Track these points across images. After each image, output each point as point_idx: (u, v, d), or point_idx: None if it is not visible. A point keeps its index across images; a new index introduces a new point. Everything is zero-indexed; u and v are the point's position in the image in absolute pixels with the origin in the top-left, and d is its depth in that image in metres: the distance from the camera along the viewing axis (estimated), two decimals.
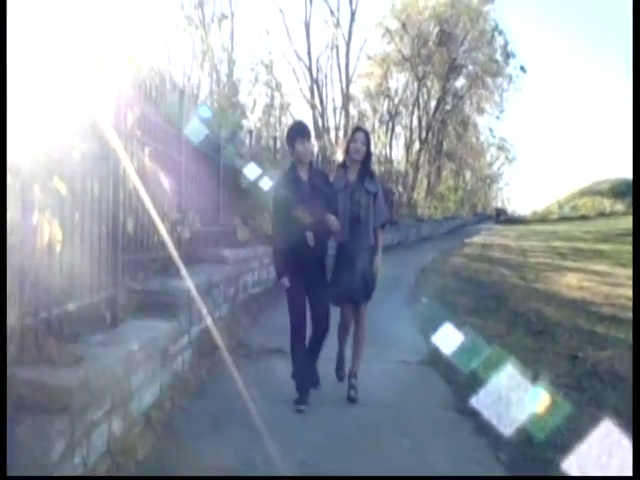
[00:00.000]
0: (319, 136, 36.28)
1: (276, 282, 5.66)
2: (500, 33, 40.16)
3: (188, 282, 6.28)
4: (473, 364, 6.10)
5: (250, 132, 12.80)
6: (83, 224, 4.15)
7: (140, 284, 5.69)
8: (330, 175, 6.09)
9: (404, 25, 38.11)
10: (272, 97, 22.33)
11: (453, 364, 6.39)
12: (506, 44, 40.81)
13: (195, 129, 8.10)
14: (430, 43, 37.85)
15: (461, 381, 6.02)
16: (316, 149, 28.40)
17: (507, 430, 4.69)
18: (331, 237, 5.64)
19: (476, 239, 33.80)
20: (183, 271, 6.91)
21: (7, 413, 2.73)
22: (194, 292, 6.31)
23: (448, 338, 6.99)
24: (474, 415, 5.15)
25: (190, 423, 4.87)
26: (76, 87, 4.03)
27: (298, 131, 5.57)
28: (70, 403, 3.08)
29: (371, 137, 6.18)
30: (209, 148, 8.99)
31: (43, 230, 2.75)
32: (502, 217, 72.34)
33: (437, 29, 37.51)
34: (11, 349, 3.02)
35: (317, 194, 5.41)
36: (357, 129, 6.10)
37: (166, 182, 6.54)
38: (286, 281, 5.38)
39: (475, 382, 5.80)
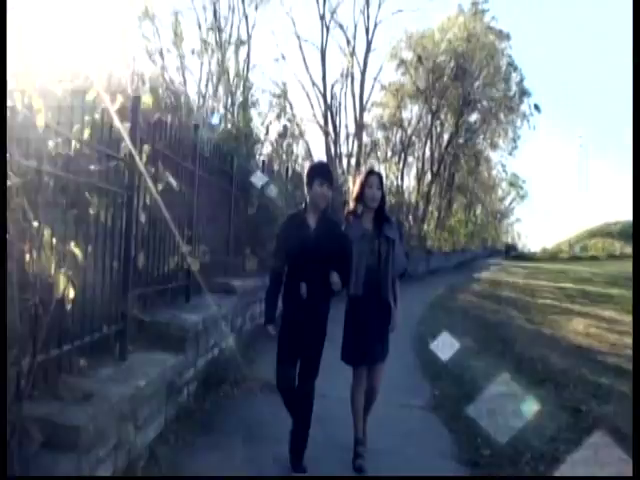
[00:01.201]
0: (332, 163, 36.53)
1: (263, 324, 5.08)
2: (515, 69, 40.39)
3: (196, 315, 6.36)
4: (473, 413, 6.11)
5: (263, 162, 12.90)
6: (95, 259, 4.25)
7: (149, 316, 5.75)
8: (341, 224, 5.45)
9: (419, 57, 38.30)
10: (285, 125, 22.44)
11: (455, 411, 6.39)
12: (521, 81, 41.00)
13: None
14: (445, 77, 38.01)
15: (462, 429, 5.99)
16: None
17: None
18: (333, 293, 4.97)
19: (485, 275, 33.73)
20: (192, 303, 7.04)
21: (6, 413, 2.77)
22: (202, 325, 6.39)
23: (451, 385, 6.98)
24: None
25: (193, 458, 4.90)
26: (89, 116, 4.14)
27: (319, 172, 5.06)
28: (78, 441, 3.15)
29: (383, 178, 5.59)
30: (221, 177, 9.10)
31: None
32: (512, 252, 72.27)
33: (452, 63, 37.70)
34: (21, 384, 3.08)
35: (323, 245, 4.85)
36: (371, 173, 5.44)
37: (177, 216, 6.66)
38: (272, 329, 4.94)
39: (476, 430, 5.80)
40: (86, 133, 3.99)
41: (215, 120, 9.37)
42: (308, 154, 36.57)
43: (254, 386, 6.93)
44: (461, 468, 5.19)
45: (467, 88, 38.22)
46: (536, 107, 41.91)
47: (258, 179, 10.85)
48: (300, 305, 4.81)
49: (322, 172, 5.08)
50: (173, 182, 5.62)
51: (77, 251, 2.96)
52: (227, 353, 7.77)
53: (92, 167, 3.98)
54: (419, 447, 5.62)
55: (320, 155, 38.11)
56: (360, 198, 5.30)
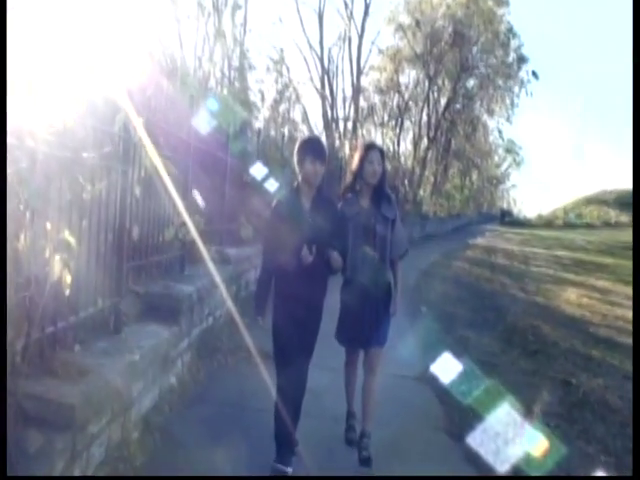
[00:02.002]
0: (328, 127, 36.43)
1: (254, 314, 4.66)
2: (514, 36, 40.00)
3: (191, 286, 6.39)
4: (466, 388, 6.16)
5: (258, 130, 12.85)
6: (90, 232, 4.25)
7: (143, 287, 5.77)
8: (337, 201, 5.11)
9: (417, 22, 37.94)
10: (282, 91, 22.33)
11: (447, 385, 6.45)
12: (519, 47, 40.64)
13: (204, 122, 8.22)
14: (443, 42, 37.69)
15: (454, 402, 6.03)
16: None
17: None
18: (330, 276, 4.68)
19: (480, 241, 33.85)
20: (186, 273, 7.06)
21: (7, 413, 2.81)
22: (196, 296, 6.42)
23: (443, 360, 7.02)
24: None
25: (187, 428, 4.96)
26: (84, 91, 4.11)
27: (311, 148, 4.62)
28: (73, 419, 3.19)
29: (385, 155, 5.18)
30: (216, 146, 9.07)
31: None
32: (507, 218, 72.31)
33: (450, 29, 37.34)
34: (17, 361, 3.11)
35: (319, 225, 4.47)
36: (371, 147, 5.05)
37: (172, 186, 6.65)
38: (262, 320, 4.58)
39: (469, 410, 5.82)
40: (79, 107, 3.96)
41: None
42: (305, 118, 36.53)
43: (249, 355, 6.97)
44: (450, 441, 5.27)
45: (465, 54, 37.95)
46: (534, 74, 41.54)
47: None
48: (297, 289, 4.45)
49: (314, 148, 4.65)
50: (168, 154, 5.60)
51: (71, 240, 2.95)
52: (221, 322, 7.84)
53: (85, 143, 3.95)
54: (410, 419, 5.68)
55: (317, 119, 38.00)
56: (359, 173, 4.95)
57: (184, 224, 7.08)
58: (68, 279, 2.94)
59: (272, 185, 9.98)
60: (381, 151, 5.07)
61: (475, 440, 5.12)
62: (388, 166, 25.87)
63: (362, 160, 4.93)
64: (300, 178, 4.66)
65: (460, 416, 5.68)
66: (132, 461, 4.17)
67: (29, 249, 2.66)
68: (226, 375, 6.34)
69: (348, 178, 5.17)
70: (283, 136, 16.00)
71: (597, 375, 7.14)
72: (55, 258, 2.83)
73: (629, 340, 9.34)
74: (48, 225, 2.74)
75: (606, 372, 7.34)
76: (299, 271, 4.40)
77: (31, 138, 3.05)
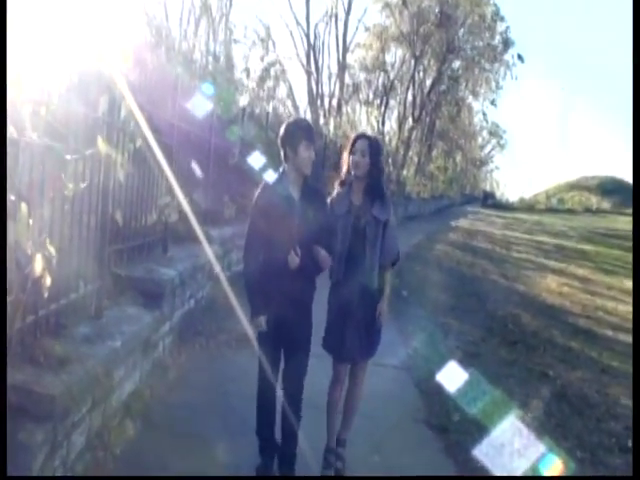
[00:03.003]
0: (313, 103, 36.35)
1: (250, 320, 4.23)
2: (501, 19, 39.98)
3: (173, 269, 6.36)
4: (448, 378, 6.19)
5: (243, 109, 12.74)
6: (72, 216, 4.21)
7: (125, 270, 5.73)
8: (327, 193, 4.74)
9: (404, 1, 37.83)
10: (268, 68, 22.17)
11: (427, 372, 6.49)
12: (506, 30, 40.63)
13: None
14: (429, 23, 37.60)
15: (434, 393, 6.05)
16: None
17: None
18: (319, 274, 4.33)
19: (462, 223, 33.90)
20: (169, 255, 7.03)
21: (6, 413, 2.80)
22: (178, 279, 6.39)
23: (425, 347, 7.06)
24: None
25: (168, 414, 4.96)
26: (66, 70, 4.04)
27: (306, 132, 4.19)
28: (54, 410, 3.18)
29: (381, 146, 4.72)
30: (200, 127, 9.00)
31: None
32: (490, 201, 72.50)
33: (437, 9, 37.25)
34: None
35: (309, 218, 4.11)
36: (358, 137, 4.57)
37: (156, 168, 6.60)
38: (263, 321, 4.10)
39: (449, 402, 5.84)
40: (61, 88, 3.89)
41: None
42: (290, 93, 36.41)
43: (229, 338, 6.98)
44: (430, 433, 5.29)
45: (451, 35, 37.91)
46: (519, 57, 41.69)
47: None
48: (283, 287, 4.05)
49: (308, 132, 4.20)
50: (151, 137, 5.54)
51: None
52: (203, 303, 7.83)
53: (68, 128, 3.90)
54: (390, 410, 5.66)
55: (302, 95, 37.87)
56: (348, 166, 4.50)
57: (167, 206, 7.06)
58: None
59: (257, 161, 9.99)
60: (370, 141, 4.51)
61: (457, 433, 5.18)
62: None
63: (349, 152, 4.50)
64: (289, 165, 4.19)
65: (440, 408, 5.71)
66: (112, 449, 4.17)
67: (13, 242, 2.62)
68: (208, 359, 6.35)
69: (342, 171, 4.63)
70: (267, 114, 15.87)
71: (575, 368, 7.21)
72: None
73: (608, 332, 9.50)
74: (30, 221, 2.69)
75: (584, 365, 7.42)
76: (285, 268, 4.01)
77: (13, 126, 3.00)
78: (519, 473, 4.59)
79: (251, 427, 4.38)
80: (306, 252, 4.07)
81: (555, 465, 4.65)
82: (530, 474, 4.57)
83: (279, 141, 4.23)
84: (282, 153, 4.21)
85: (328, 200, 4.53)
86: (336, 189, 4.64)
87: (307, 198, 4.21)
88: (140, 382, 5.12)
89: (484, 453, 4.71)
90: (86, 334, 4.25)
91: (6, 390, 2.80)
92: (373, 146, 4.46)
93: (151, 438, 4.52)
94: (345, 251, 4.42)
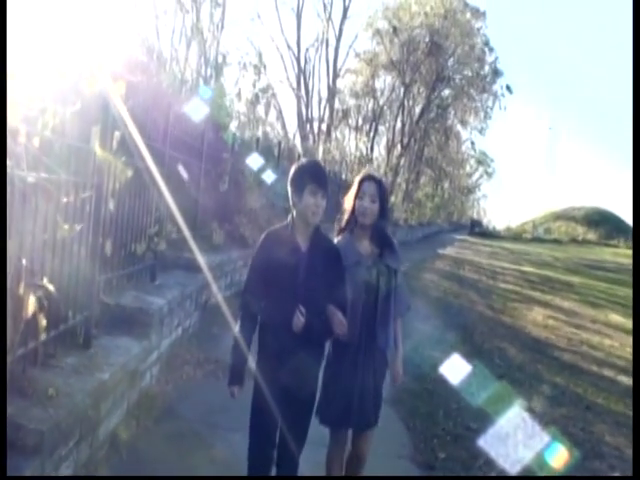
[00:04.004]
0: (302, 127, 36.60)
1: (227, 384, 3.69)
2: (490, 50, 40.58)
3: (161, 298, 6.36)
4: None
5: (234, 135, 12.81)
6: (63, 247, 4.22)
7: (114, 298, 5.74)
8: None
9: (395, 29, 38.29)
10: (258, 94, 22.19)
11: (413, 407, 6.47)
12: (495, 60, 41.21)
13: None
14: (419, 51, 38.06)
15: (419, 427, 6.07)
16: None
17: None
18: (328, 340, 3.86)
19: (449, 251, 34.05)
20: (157, 283, 7.03)
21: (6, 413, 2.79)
22: (167, 308, 6.40)
23: (411, 381, 7.02)
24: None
25: (154, 446, 4.93)
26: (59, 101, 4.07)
27: (311, 175, 3.65)
28: (42, 445, 3.18)
29: (387, 188, 4.22)
30: (190, 154, 9.06)
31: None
32: (477, 229, 72.86)
33: (427, 38, 37.72)
34: None
35: (319, 273, 3.61)
36: (364, 179, 4.08)
37: (146, 197, 6.64)
38: (236, 391, 3.62)
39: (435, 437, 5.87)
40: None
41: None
42: (280, 116, 36.65)
43: (216, 367, 6.96)
44: (416, 470, 5.26)
45: (441, 64, 38.36)
46: (508, 88, 42.27)
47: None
48: (285, 354, 3.51)
49: (314, 175, 3.66)
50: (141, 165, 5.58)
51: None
52: (190, 332, 7.83)
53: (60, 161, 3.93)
54: (375, 445, 5.62)
55: (291, 118, 38.11)
56: (353, 212, 4.08)
57: (156, 235, 7.08)
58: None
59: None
60: (381, 185, 4.07)
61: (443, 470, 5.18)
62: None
63: (355, 196, 4.05)
64: (295, 213, 3.69)
65: (426, 445, 5.70)
66: None
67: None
68: (194, 389, 6.31)
69: (344, 216, 4.17)
70: (258, 140, 15.95)
71: (561, 404, 7.24)
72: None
73: (593, 367, 9.57)
74: (24, 261, 2.71)
75: (569, 401, 7.45)
76: (288, 331, 3.47)
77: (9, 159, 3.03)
78: None
79: (241, 460, 4.37)
80: (314, 313, 3.51)
81: None
82: None
83: (288, 188, 3.74)
84: (290, 199, 3.72)
85: None
86: (337, 237, 4.14)
87: (317, 251, 3.67)
88: (127, 413, 5.10)
89: None
90: (74, 365, 4.25)
91: (6, 391, 2.80)
92: (382, 190, 4.04)
93: (137, 471, 4.50)
94: (360, 308, 3.87)
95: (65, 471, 3.66)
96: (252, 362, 3.68)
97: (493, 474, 5.21)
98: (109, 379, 4.32)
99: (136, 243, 6.53)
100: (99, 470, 4.25)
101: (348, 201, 4.11)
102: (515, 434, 6.01)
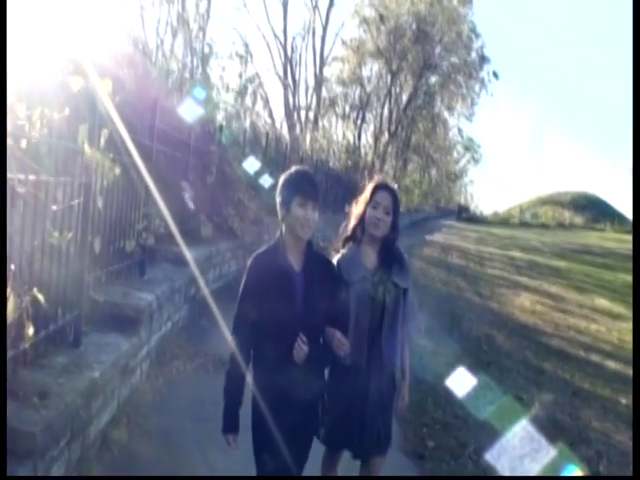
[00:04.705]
0: (290, 115, 36.56)
1: (222, 431, 3.28)
2: (477, 36, 40.59)
3: (150, 294, 6.37)
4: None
5: (221, 126, 12.79)
6: (52, 246, 4.22)
7: (103, 295, 5.75)
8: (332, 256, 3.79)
9: (381, 17, 38.24)
10: (245, 85, 22.21)
11: None
12: (481, 47, 41.22)
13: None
14: (406, 39, 38.03)
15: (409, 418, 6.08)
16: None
17: None
18: (329, 365, 3.52)
19: (437, 237, 34.11)
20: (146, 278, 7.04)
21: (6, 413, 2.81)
22: (156, 303, 6.41)
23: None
24: None
25: (145, 442, 4.96)
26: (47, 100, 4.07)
27: (299, 185, 3.26)
28: (34, 447, 3.20)
29: (399, 197, 3.85)
30: (177, 147, 9.06)
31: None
32: (464, 214, 72.96)
33: (414, 26, 37.69)
34: None
35: (315, 296, 3.24)
36: (378, 187, 3.74)
37: (134, 192, 6.65)
38: (232, 440, 3.24)
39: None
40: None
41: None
42: (266, 105, 36.55)
43: (206, 361, 6.99)
44: (406, 460, 5.31)
45: (428, 51, 38.33)
46: (495, 74, 42.33)
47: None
48: (286, 388, 3.15)
49: (304, 186, 3.27)
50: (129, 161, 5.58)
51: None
52: (180, 325, 7.85)
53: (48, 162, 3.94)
54: None
55: (278, 107, 38.05)
56: (362, 220, 3.72)
57: (145, 230, 7.09)
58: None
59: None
60: (395, 195, 3.75)
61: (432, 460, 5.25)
62: (349, 161, 25.73)
63: (366, 204, 3.71)
64: (284, 228, 3.30)
65: (415, 435, 5.76)
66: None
67: None
68: (185, 383, 6.33)
69: (350, 225, 3.82)
70: (245, 131, 15.93)
71: (548, 390, 7.31)
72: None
73: (580, 352, 9.66)
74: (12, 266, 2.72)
75: (556, 388, 7.53)
76: (288, 363, 3.12)
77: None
78: None
79: (231, 456, 4.39)
80: (314, 340, 3.19)
81: None
82: None
83: (276, 196, 3.36)
84: (278, 212, 3.32)
85: (334, 262, 3.66)
86: (342, 249, 3.80)
87: (313, 269, 3.30)
88: (118, 410, 5.11)
89: None
90: (65, 364, 4.26)
91: (6, 391, 2.82)
92: (396, 201, 3.72)
93: (129, 469, 4.52)
94: (362, 327, 3.56)
95: (57, 471, 3.68)
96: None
97: (483, 462, 5.27)
98: (99, 377, 4.33)
99: (125, 239, 6.53)
100: (91, 469, 4.27)
101: (357, 208, 3.76)
102: (503, 423, 6.09)
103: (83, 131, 4.69)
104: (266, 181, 12.70)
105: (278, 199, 3.30)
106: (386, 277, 3.63)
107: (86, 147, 4.65)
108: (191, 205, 8.98)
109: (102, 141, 4.94)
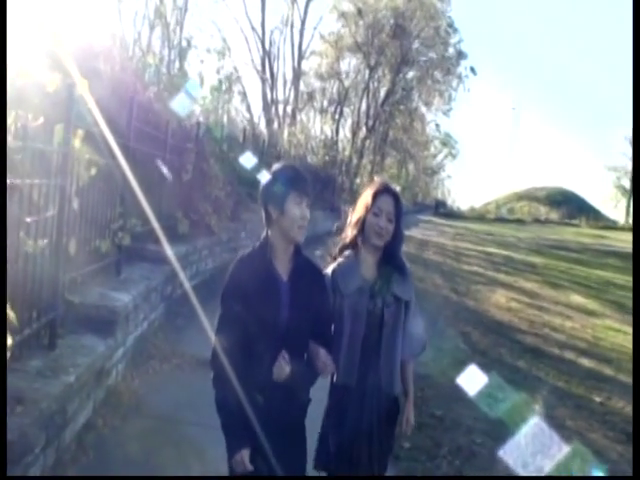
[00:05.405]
0: (267, 109, 36.49)
1: (229, 459, 2.86)
2: (454, 31, 40.67)
3: (127, 294, 6.34)
4: None
5: (198, 123, 12.72)
6: (27, 246, 4.19)
7: (78, 296, 5.70)
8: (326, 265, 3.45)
9: (360, 11, 38.25)
10: (223, 80, 22.13)
11: None
12: (459, 42, 41.33)
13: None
14: (384, 34, 38.07)
15: None
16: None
17: None
18: (314, 384, 3.07)
19: (414, 232, 34.14)
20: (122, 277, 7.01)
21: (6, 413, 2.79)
22: (132, 304, 6.38)
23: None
24: None
25: (121, 445, 4.94)
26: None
27: (295, 181, 2.96)
28: (11, 455, 3.17)
29: (402, 202, 3.46)
30: (153, 145, 9.00)
31: None
32: (441, 209, 73.40)
33: (392, 21, 37.74)
34: None
35: (303, 306, 2.96)
36: (380, 191, 3.38)
37: (110, 192, 6.61)
38: (246, 458, 2.79)
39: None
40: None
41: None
42: (244, 99, 36.46)
43: (182, 361, 6.98)
44: None
45: (406, 47, 38.37)
46: (472, 70, 42.48)
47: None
48: (265, 408, 2.87)
49: (298, 181, 2.98)
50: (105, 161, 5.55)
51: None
52: (156, 325, 7.81)
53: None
54: None
55: (256, 101, 37.93)
56: (362, 227, 3.37)
57: (120, 229, 7.05)
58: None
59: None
60: (398, 200, 3.40)
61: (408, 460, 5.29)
62: (327, 157, 25.57)
63: (366, 209, 3.36)
64: (272, 230, 2.98)
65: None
66: None
67: None
68: (161, 383, 6.31)
69: (348, 231, 3.48)
70: (223, 127, 15.84)
71: (523, 389, 7.38)
72: None
73: (555, 350, 9.76)
74: None
75: (530, 386, 7.60)
76: (269, 381, 2.84)
77: None
78: None
79: (208, 456, 4.41)
80: (298, 356, 2.92)
81: None
82: None
83: (259, 199, 3.05)
84: (263, 215, 3.01)
85: (329, 272, 3.34)
86: (338, 257, 3.46)
87: (301, 279, 3.00)
88: (93, 412, 5.10)
89: None
90: (40, 368, 4.25)
91: (6, 390, 2.79)
92: (399, 207, 3.38)
93: (105, 471, 4.50)
94: (356, 343, 3.27)
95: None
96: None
97: (457, 462, 5.32)
98: (75, 381, 4.31)
99: (100, 239, 6.49)
100: (66, 473, 4.26)
101: (356, 214, 3.42)
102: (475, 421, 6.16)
103: (59, 132, 4.67)
104: (244, 177, 12.69)
105: (267, 199, 2.96)
106: (386, 288, 3.31)
107: (62, 148, 4.64)
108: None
109: (77, 142, 4.92)
